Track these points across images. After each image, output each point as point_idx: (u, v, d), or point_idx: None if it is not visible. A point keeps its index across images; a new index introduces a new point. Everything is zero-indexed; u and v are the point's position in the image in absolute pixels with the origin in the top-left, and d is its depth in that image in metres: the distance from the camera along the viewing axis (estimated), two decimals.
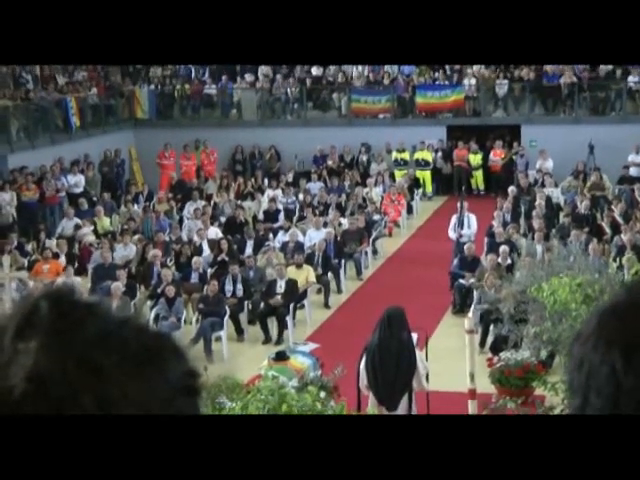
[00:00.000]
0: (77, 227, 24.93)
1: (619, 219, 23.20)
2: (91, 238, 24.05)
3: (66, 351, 1.01)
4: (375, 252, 24.65)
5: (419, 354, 12.70)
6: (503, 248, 19.95)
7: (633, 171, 29.14)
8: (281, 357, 14.45)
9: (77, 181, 29.27)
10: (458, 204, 23.59)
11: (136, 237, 23.52)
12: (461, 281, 19.83)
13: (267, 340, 18.46)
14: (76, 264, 22.94)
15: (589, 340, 1.16)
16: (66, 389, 1.00)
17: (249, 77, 35.57)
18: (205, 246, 22.67)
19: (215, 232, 23.89)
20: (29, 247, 23.45)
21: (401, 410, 12.19)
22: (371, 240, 24.40)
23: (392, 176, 30.92)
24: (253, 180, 30.91)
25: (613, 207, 24.38)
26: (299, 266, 20.22)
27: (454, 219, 23.21)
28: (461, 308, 19.02)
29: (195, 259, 20.79)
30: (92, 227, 24.88)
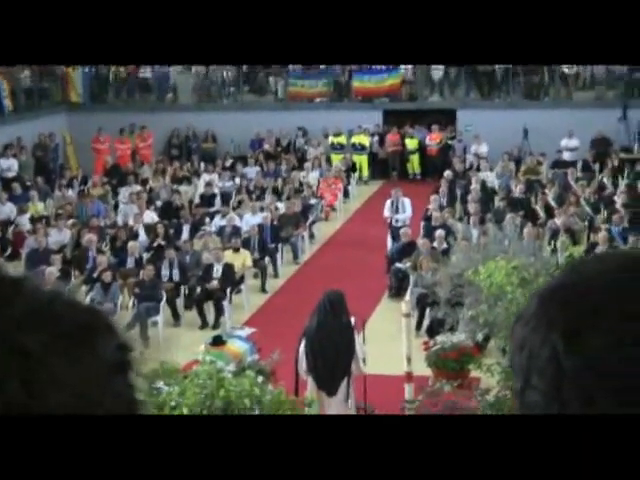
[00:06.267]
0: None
1: (552, 203, 23.46)
2: (27, 224, 23.77)
3: None
4: (312, 236, 24.69)
5: (357, 338, 12.76)
6: (439, 232, 20.08)
7: (566, 155, 29.50)
8: (218, 342, 14.41)
9: (10, 165, 28.90)
10: (392, 191, 23.88)
11: (70, 222, 23.28)
12: (397, 265, 19.91)
13: (204, 325, 18.40)
14: (9, 249, 22.69)
15: (530, 322, 1.15)
16: None
17: None
18: (141, 231, 22.52)
19: (151, 216, 23.74)
20: None
21: (340, 394, 12.24)
22: (308, 224, 24.42)
23: (329, 160, 30.95)
24: (189, 164, 30.76)
25: (547, 191, 24.64)
26: (236, 250, 20.18)
27: (388, 203, 23.45)
28: (397, 292, 19.09)
29: (131, 244, 20.65)
30: (29, 214, 24.53)
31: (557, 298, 1.15)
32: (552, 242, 19.12)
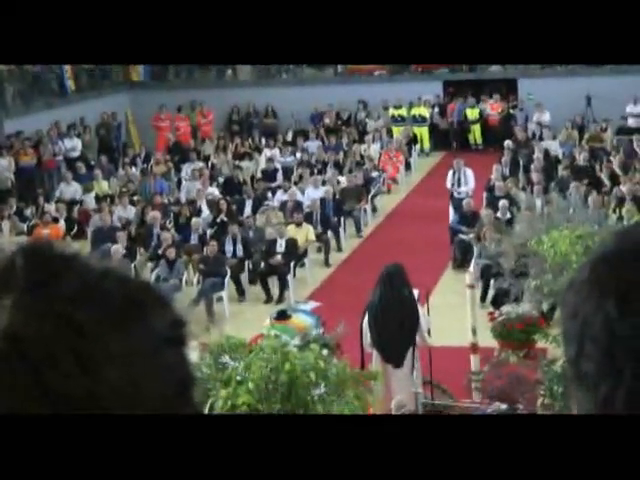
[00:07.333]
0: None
1: (618, 170, 23.16)
2: (92, 202, 24.04)
3: (43, 308, 0.96)
4: (374, 209, 24.65)
5: (421, 310, 12.75)
6: (502, 202, 19.94)
7: (631, 122, 29.08)
8: (282, 316, 14.47)
9: (74, 145, 29.16)
10: (454, 162, 23.74)
11: (135, 199, 23.50)
12: (461, 236, 19.83)
13: (268, 299, 18.49)
14: (75, 228, 22.97)
15: (582, 289, 1.14)
16: (44, 349, 0.94)
17: None
18: (204, 207, 22.63)
19: (214, 193, 23.85)
20: (28, 212, 23.40)
21: (405, 367, 12.25)
22: (370, 197, 24.38)
23: (389, 133, 30.82)
24: (250, 140, 30.82)
25: (612, 158, 24.33)
26: (299, 225, 20.23)
27: (450, 174, 23.32)
28: (461, 263, 19.03)
29: (194, 220, 20.79)
30: (94, 193, 24.83)
31: (609, 264, 1.13)
32: (617, 210, 18.88)
